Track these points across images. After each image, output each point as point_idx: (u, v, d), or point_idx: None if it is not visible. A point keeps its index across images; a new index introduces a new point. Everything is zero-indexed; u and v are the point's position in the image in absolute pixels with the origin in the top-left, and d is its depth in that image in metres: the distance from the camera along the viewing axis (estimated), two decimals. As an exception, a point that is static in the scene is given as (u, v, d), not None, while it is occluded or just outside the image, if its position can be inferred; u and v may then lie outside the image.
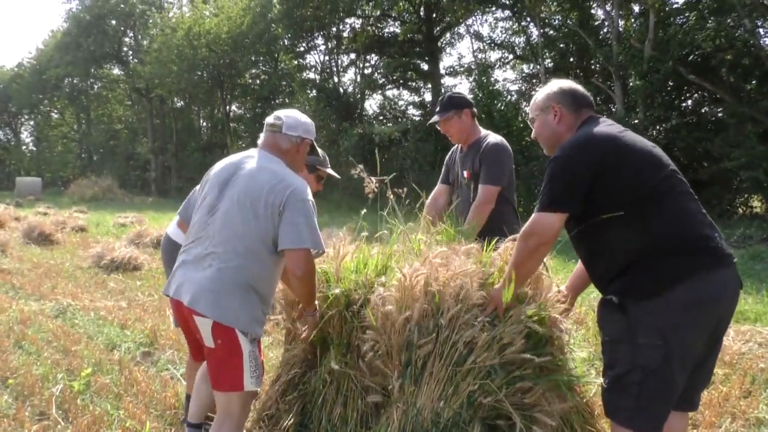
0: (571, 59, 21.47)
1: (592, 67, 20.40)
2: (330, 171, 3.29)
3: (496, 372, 2.24)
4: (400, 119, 29.17)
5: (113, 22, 38.46)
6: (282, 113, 2.57)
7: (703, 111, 16.57)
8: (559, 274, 2.90)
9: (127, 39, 40.32)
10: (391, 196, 2.99)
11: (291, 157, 2.54)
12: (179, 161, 34.72)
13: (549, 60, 22.45)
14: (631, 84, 16.37)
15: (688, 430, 2.45)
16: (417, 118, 27.14)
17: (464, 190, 3.43)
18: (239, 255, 2.28)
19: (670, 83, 15.70)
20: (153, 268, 8.29)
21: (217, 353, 2.29)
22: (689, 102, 17.13)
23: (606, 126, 2.17)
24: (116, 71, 41.95)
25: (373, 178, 3.07)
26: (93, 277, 7.66)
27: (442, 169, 3.73)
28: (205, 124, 38.89)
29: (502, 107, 19.69)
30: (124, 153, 39.80)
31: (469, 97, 3.71)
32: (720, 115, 15.51)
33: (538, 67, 22.14)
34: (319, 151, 3.11)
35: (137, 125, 41.88)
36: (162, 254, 3.32)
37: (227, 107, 34.35)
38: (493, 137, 3.39)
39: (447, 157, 3.71)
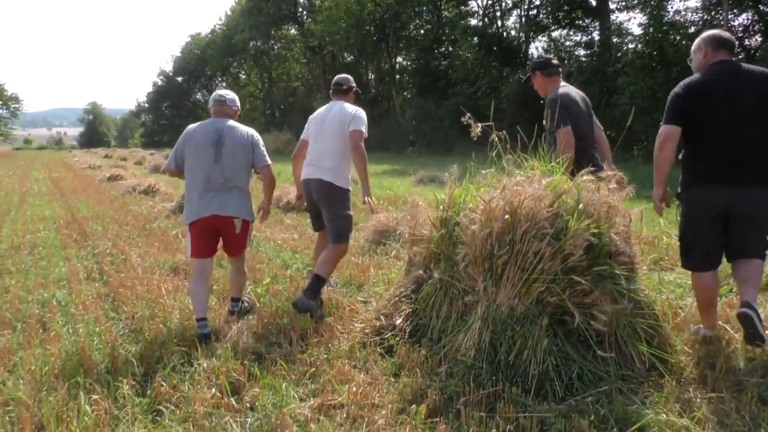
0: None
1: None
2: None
3: (560, 277, 2.78)
4: (566, 61, 27.98)
5: (290, -17, 41.23)
6: (223, 92, 4.15)
7: None
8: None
9: (301, 0, 43.07)
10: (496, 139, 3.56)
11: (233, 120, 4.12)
12: (350, 114, 36.73)
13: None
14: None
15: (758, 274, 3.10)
16: (583, 60, 25.87)
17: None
18: (240, 180, 3.97)
19: None
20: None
21: (240, 236, 4.05)
22: None
23: (703, 74, 3.12)
24: (293, 31, 45.18)
25: (479, 124, 3.64)
26: (273, 216, 9.05)
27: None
28: (372, 77, 40.63)
29: (677, 42, 18.10)
30: (301, 108, 43.02)
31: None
32: None
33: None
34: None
35: (312, 81, 44.98)
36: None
37: (392, 60, 35.52)
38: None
39: None
